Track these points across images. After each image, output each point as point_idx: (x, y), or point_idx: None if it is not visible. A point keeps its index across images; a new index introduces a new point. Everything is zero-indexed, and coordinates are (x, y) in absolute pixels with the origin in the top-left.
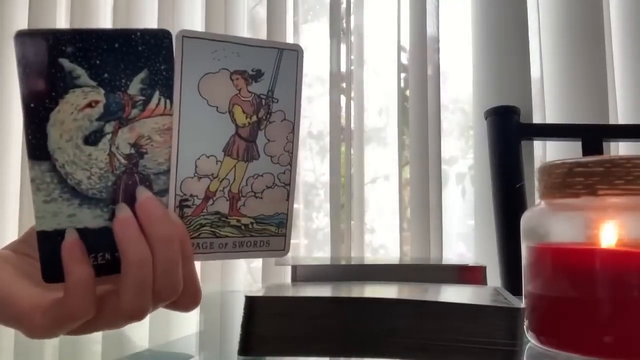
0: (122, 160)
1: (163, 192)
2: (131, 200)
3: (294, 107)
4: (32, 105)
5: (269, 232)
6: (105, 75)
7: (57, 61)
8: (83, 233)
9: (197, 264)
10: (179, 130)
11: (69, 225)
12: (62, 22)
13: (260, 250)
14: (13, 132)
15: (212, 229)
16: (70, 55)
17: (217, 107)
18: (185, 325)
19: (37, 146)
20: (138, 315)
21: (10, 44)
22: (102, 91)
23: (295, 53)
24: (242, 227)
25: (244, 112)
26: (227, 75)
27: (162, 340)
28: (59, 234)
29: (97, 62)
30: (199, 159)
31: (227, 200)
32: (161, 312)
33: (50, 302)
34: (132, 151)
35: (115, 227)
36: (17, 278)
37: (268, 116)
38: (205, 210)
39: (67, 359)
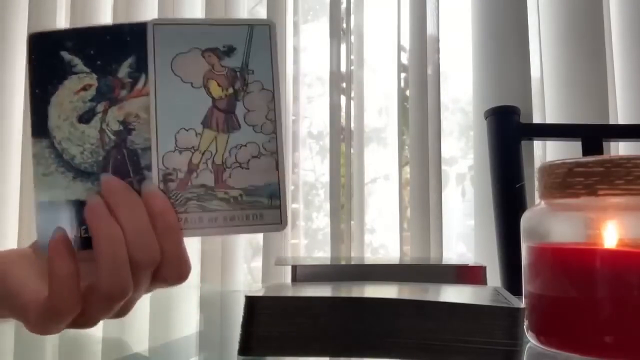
0: (112, 137)
1: (150, 167)
2: (121, 174)
3: (271, 76)
4: (37, 91)
5: (261, 205)
6: (98, 62)
7: (59, 54)
8: (76, 205)
9: (197, 260)
10: (156, 107)
11: (63, 197)
12: (62, 22)
13: (254, 224)
14: (13, 133)
15: (200, 203)
16: (70, 49)
17: (191, 83)
18: (185, 325)
19: (39, 125)
20: (118, 294)
21: (10, 45)
22: (95, 76)
23: (267, 27)
24: (231, 200)
25: (219, 85)
26: (199, 53)
27: (162, 341)
28: (55, 205)
29: (92, 52)
30: (178, 132)
31: (211, 172)
32: (161, 313)
33: (44, 298)
34: (121, 128)
35: (86, 213)
36: (28, 273)
37: (245, 87)
38: (190, 184)
39: (67, 359)
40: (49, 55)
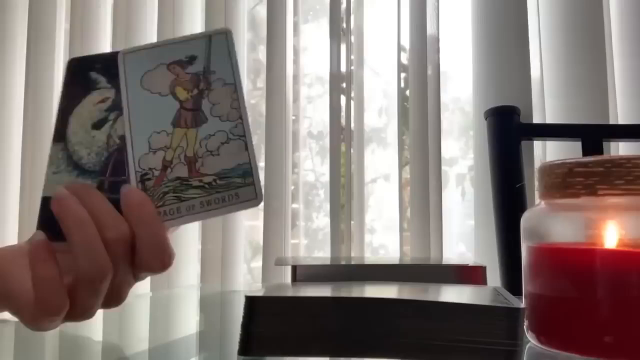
0: (117, 140)
1: None
2: (118, 173)
3: (232, 73)
4: (64, 103)
5: (235, 184)
6: (118, 80)
7: (88, 73)
8: None
9: (197, 260)
10: (129, 121)
11: None
12: (62, 21)
13: (231, 204)
14: (13, 134)
15: (176, 194)
16: (97, 70)
17: (159, 93)
18: (185, 325)
19: (59, 131)
20: (98, 275)
21: (10, 45)
22: (114, 90)
23: (224, 34)
24: (206, 186)
25: (184, 89)
26: (165, 67)
27: (162, 341)
28: None
29: (114, 71)
30: (150, 136)
31: (184, 165)
32: (161, 313)
33: (34, 299)
34: None
35: (52, 205)
36: (25, 271)
37: (208, 85)
38: (165, 179)
39: (67, 359)
40: (80, 75)
